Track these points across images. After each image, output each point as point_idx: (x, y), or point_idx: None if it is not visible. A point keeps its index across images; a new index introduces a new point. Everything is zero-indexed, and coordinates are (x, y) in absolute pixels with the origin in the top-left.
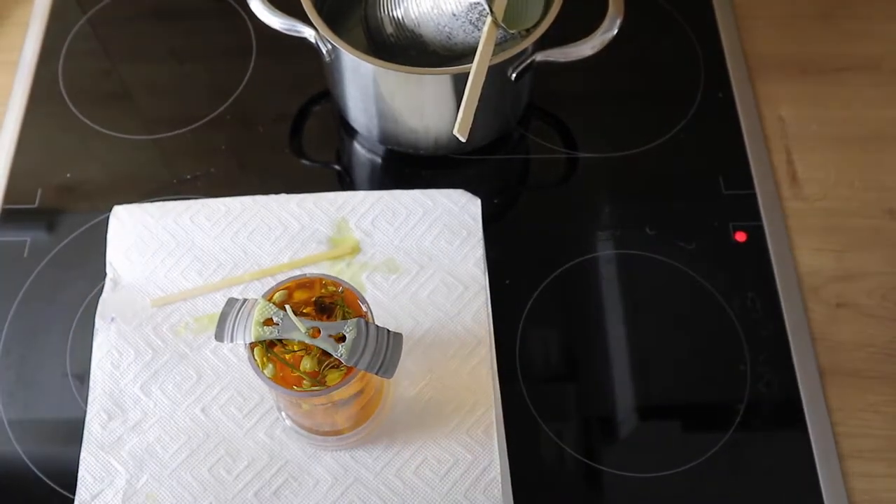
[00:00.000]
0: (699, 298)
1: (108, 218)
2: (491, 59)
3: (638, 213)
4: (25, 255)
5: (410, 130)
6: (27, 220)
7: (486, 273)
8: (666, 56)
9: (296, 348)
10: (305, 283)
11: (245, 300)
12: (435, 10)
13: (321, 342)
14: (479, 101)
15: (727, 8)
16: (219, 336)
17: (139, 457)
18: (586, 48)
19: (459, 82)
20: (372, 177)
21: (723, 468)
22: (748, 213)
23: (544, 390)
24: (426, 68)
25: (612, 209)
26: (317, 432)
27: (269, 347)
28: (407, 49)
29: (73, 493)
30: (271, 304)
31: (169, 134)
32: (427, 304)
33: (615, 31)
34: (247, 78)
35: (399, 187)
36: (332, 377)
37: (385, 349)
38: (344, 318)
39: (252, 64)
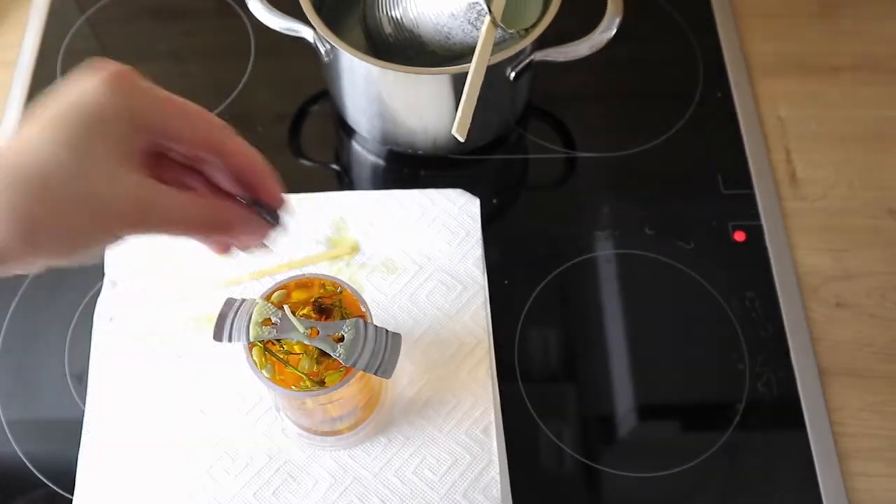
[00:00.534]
0: (698, 298)
1: None
2: (489, 59)
3: (637, 212)
4: None
5: (409, 130)
6: None
7: (485, 273)
8: (665, 55)
9: (295, 349)
10: (304, 283)
11: (243, 300)
12: (433, 10)
13: (320, 342)
14: (478, 100)
15: (726, 7)
16: (217, 336)
17: (138, 457)
18: (585, 48)
19: (458, 82)
20: (371, 177)
21: (722, 468)
22: (747, 212)
23: (543, 390)
24: (425, 68)
25: (611, 209)
26: (316, 432)
27: (267, 347)
28: (405, 49)
29: (73, 493)
30: (270, 304)
31: None
32: (426, 304)
33: (614, 31)
34: (245, 78)
35: (398, 187)
36: (331, 377)
37: (384, 349)
38: (342, 318)
39: (251, 64)
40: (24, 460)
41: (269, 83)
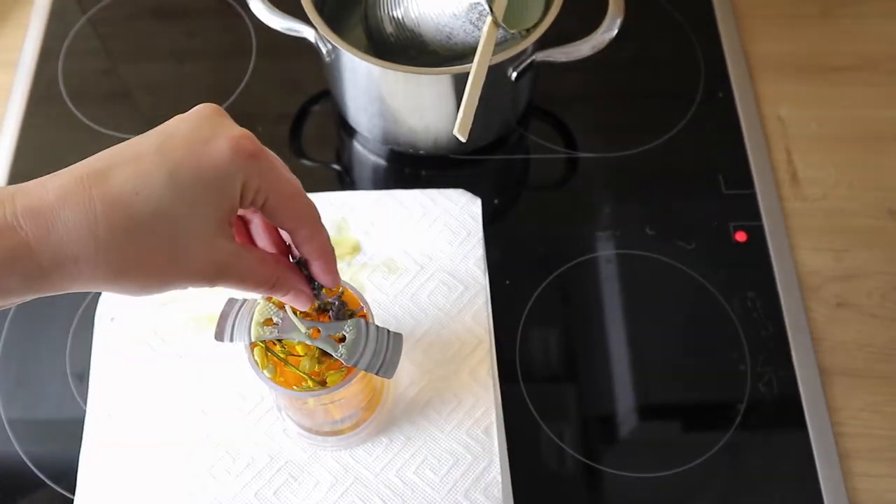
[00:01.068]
0: (699, 298)
1: None
2: (491, 59)
3: (638, 213)
4: None
5: (410, 130)
6: None
7: (487, 273)
8: (666, 56)
9: (296, 349)
10: None
11: (245, 300)
12: (435, 10)
13: (321, 342)
14: (479, 100)
15: (727, 7)
16: (218, 336)
17: (139, 456)
18: (586, 48)
19: (459, 82)
20: (372, 177)
21: (723, 468)
22: (748, 212)
23: (544, 390)
24: (426, 68)
25: (612, 209)
26: (317, 432)
27: (268, 348)
28: (407, 49)
29: (73, 493)
30: (271, 305)
31: None
32: (427, 304)
33: (615, 31)
34: (247, 78)
35: (399, 187)
36: (333, 378)
37: (385, 349)
38: (344, 318)
39: (252, 64)
40: (26, 460)
41: (270, 83)
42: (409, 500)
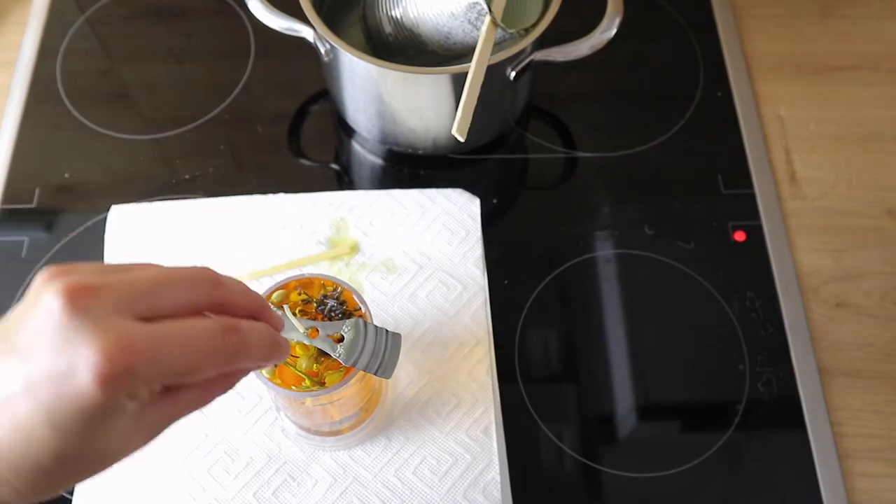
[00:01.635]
0: (698, 298)
1: (106, 218)
2: (490, 59)
3: (637, 212)
4: (23, 254)
5: (409, 130)
6: (25, 220)
7: (485, 273)
8: (665, 55)
9: (295, 349)
10: (304, 283)
11: None
12: (433, 10)
13: (320, 342)
14: (478, 100)
15: (726, 7)
16: None
17: (138, 457)
18: (585, 47)
19: (458, 82)
20: (371, 176)
21: (722, 468)
22: (747, 212)
23: (543, 390)
24: (425, 68)
25: (611, 209)
26: (316, 432)
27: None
28: (405, 48)
29: (72, 494)
30: (269, 304)
31: (168, 134)
32: (426, 304)
33: (614, 31)
34: (245, 78)
35: (398, 187)
36: (331, 378)
37: (384, 349)
38: (342, 318)
39: (251, 64)
40: None
41: (268, 83)
42: (408, 500)
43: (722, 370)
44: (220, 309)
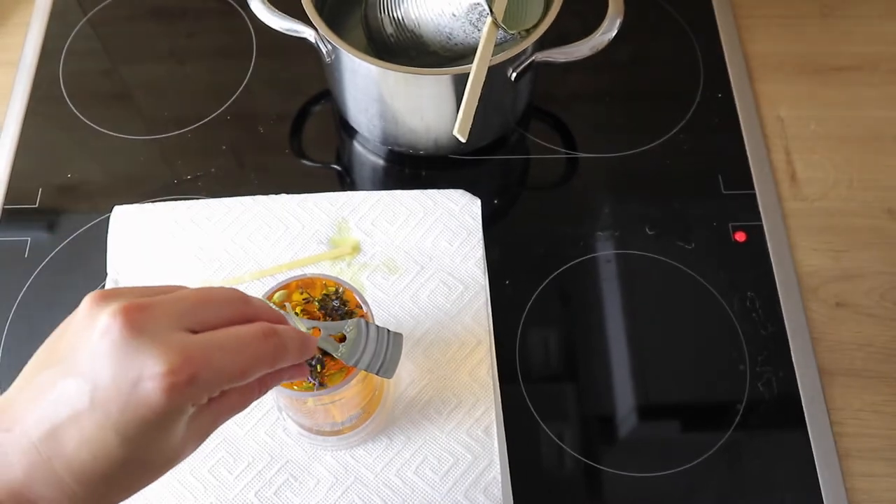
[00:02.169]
0: (699, 298)
1: (108, 218)
2: (491, 60)
3: (637, 213)
4: (26, 255)
5: (410, 131)
6: (28, 221)
7: (486, 273)
8: (665, 56)
9: None
10: (305, 283)
11: None
12: (435, 11)
13: (321, 342)
14: (479, 101)
15: (727, 8)
16: None
17: None
18: (586, 48)
19: (459, 83)
20: (372, 177)
21: (722, 468)
22: (748, 212)
23: (544, 390)
24: (426, 69)
25: (612, 209)
26: (318, 432)
27: None
28: (407, 49)
29: None
30: (271, 304)
31: (169, 134)
32: (427, 304)
33: (615, 32)
34: (247, 78)
35: (399, 187)
36: (333, 378)
37: (385, 349)
38: (344, 318)
39: (252, 64)
40: None
41: (270, 83)
42: (410, 499)
43: (722, 370)
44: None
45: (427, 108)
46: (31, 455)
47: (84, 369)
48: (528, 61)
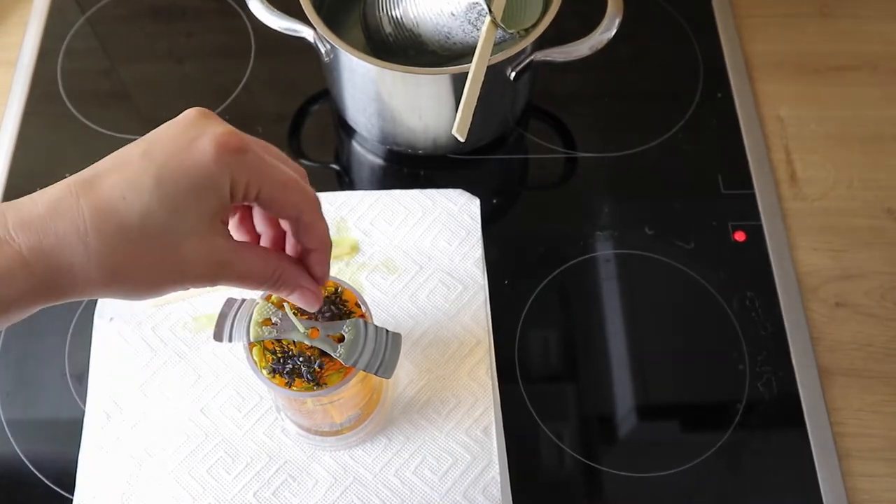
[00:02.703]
0: (698, 298)
1: None
2: (490, 59)
3: (637, 212)
4: None
5: (409, 130)
6: None
7: (485, 273)
8: (665, 56)
9: (294, 349)
10: None
11: (244, 300)
12: (434, 10)
13: (320, 342)
14: (478, 100)
15: (726, 7)
16: (217, 336)
17: (138, 457)
18: (585, 48)
19: (458, 82)
20: (371, 177)
21: (722, 468)
22: (747, 212)
23: (543, 390)
24: (425, 68)
25: (611, 209)
26: (316, 432)
27: (267, 347)
28: (406, 49)
29: (72, 494)
30: (270, 305)
31: None
32: (426, 304)
33: (614, 31)
34: (245, 78)
35: (398, 187)
36: (332, 378)
37: (384, 349)
38: (342, 318)
39: (251, 64)
40: (25, 460)
41: (269, 83)
42: (408, 499)
43: (722, 370)
44: None
45: (426, 107)
46: (60, 196)
47: (153, 134)
48: (527, 61)
